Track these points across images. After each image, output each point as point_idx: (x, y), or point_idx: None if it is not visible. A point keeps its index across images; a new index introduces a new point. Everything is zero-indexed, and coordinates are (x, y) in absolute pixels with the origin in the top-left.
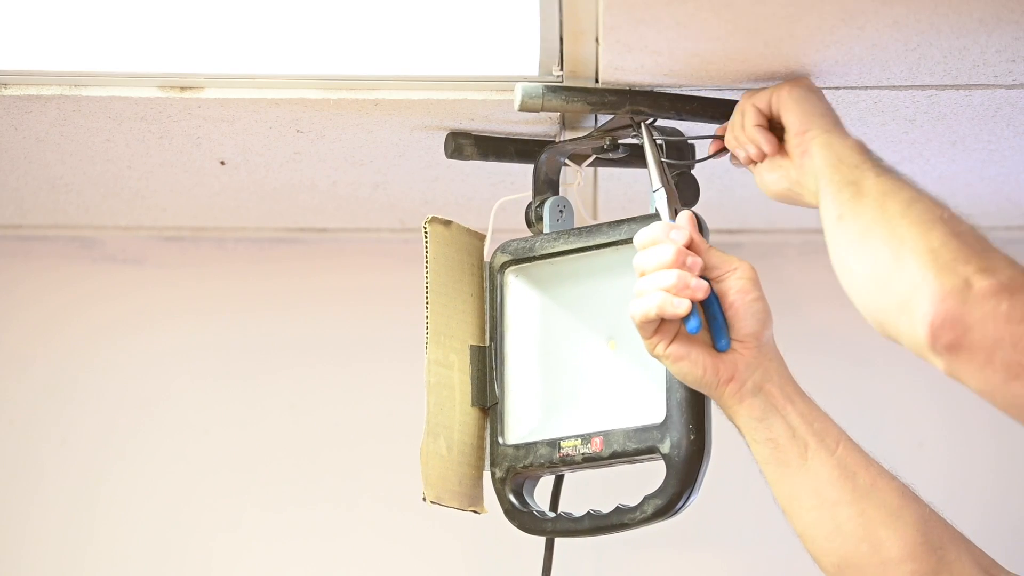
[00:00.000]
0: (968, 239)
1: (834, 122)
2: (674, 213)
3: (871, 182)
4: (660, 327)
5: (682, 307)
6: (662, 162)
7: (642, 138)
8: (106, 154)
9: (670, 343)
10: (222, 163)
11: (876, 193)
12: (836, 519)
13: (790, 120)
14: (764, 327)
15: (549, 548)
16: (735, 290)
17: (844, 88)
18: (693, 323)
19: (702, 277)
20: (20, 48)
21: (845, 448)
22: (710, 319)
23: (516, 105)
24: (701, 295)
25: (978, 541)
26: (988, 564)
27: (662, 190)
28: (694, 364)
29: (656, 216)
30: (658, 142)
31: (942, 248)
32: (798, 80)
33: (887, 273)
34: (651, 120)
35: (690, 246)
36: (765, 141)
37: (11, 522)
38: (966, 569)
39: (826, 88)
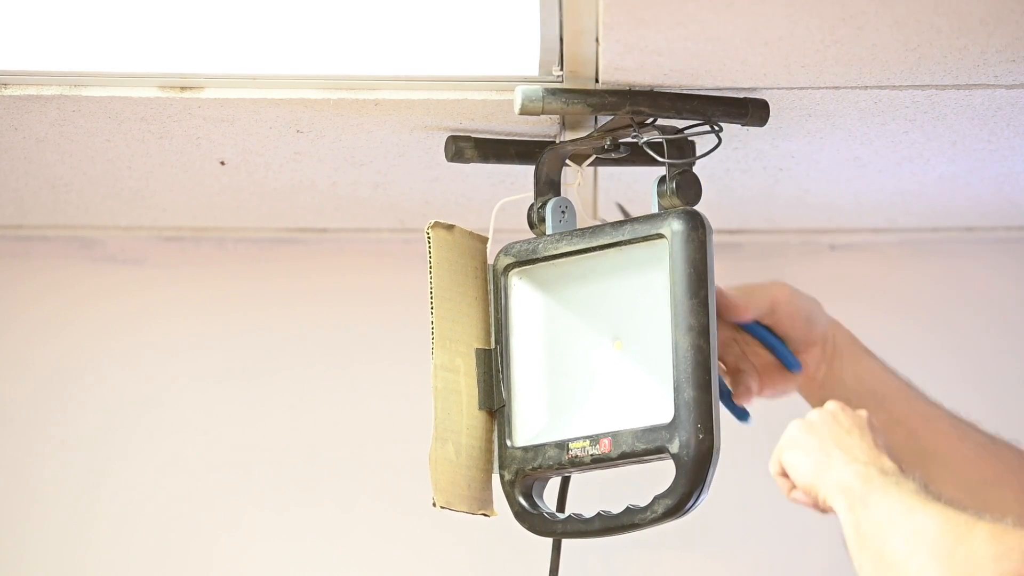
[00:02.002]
0: (961, 551)
1: (825, 464)
2: None
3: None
4: (738, 396)
5: None
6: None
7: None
8: (106, 154)
9: (762, 394)
10: (222, 163)
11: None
12: None
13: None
14: (812, 325)
15: (556, 549)
16: (782, 320)
17: (844, 88)
18: (738, 414)
19: (756, 323)
20: (20, 48)
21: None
22: (772, 350)
23: (516, 109)
24: None
25: None
26: None
27: None
28: (787, 391)
29: (660, 216)
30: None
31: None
32: (792, 434)
33: None
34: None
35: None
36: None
37: (11, 522)
38: None
39: (826, 88)
